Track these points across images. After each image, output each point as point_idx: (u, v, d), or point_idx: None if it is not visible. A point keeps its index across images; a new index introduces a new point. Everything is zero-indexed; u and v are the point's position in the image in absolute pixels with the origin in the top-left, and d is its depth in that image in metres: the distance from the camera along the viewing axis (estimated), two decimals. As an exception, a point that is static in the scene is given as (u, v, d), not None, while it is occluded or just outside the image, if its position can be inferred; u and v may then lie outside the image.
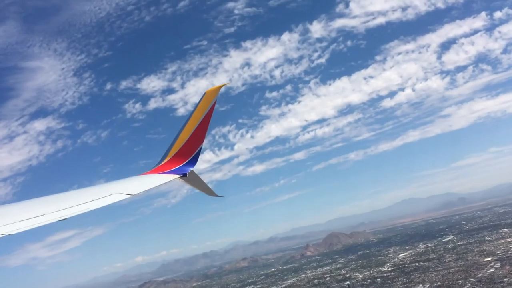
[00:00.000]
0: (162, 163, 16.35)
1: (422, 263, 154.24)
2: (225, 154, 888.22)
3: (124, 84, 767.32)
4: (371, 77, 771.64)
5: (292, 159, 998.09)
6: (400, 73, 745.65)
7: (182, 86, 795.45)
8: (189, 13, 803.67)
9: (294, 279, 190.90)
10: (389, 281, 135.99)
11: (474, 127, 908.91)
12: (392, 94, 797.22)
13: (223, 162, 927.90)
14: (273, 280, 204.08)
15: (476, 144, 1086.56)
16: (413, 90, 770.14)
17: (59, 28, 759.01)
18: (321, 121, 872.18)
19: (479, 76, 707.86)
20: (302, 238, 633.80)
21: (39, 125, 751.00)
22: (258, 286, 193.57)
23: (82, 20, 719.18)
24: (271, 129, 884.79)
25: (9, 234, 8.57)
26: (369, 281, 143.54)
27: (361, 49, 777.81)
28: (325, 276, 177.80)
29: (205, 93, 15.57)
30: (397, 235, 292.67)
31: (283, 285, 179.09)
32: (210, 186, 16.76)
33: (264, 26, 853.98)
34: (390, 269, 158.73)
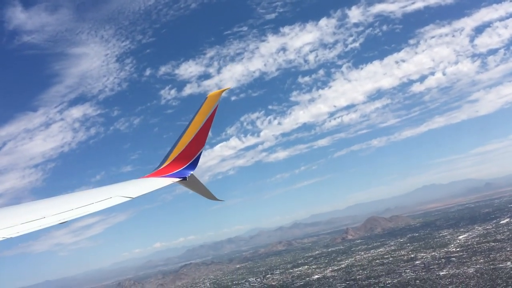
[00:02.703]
0: (162, 166, 16.23)
1: (492, 244, 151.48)
2: (251, 140, 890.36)
3: (163, 69, 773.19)
4: (403, 60, 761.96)
5: (315, 146, 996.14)
6: (432, 57, 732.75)
7: (218, 71, 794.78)
8: (234, 0, 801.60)
9: (350, 259, 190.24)
10: (467, 260, 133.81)
11: (500, 113, 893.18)
12: (422, 78, 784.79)
13: (248, 148, 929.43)
14: (326, 261, 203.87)
15: (497, 130, 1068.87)
16: (444, 74, 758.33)
17: (109, 16, 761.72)
18: (349, 107, 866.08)
19: (510, 59, 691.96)
20: (326, 224, 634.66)
21: (76, 112, 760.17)
22: (313, 267, 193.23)
23: (132, 8, 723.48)
24: (299, 116, 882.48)
25: (10, 237, 8.55)
26: (443, 260, 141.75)
27: (396, 34, 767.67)
28: (386, 256, 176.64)
29: (207, 97, 15.42)
30: (440, 219, 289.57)
31: (342, 265, 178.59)
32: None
33: (305, 11, 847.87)
34: (458, 249, 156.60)
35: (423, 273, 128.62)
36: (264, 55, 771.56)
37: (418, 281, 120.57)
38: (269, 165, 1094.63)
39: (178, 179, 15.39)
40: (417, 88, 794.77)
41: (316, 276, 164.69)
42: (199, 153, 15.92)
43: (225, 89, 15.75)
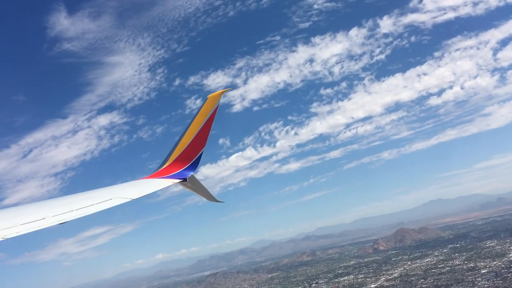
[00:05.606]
0: (163, 167, 16.30)
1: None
2: (266, 151, 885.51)
3: (192, 80, 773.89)
4: (425, 74, 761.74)
5: (327, 157, 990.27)
6: (454, 70, 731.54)
7: (245, 82, 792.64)
8: (271, 8, 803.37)
9: (398, 269, 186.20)
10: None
11: (509, 127, 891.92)
12: (441, 92, 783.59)
13: (262, 159, 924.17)
14: (370, 270, 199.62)
15: (503, 145, 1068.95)
16: (462, 88, 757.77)
17: (149, 23, 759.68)
18: (366, 119, 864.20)
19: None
20: (340, 237, 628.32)
21: (103, 120, 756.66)
22: (360, 276, 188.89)
23: (171, 15, 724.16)
24: (316, 126, 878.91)
25: (10, 237, 8.68)
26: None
27: (423, 45, 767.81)
28: (440, 266, 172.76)
29: (207, 97, 15.38)
30: (472, 231, 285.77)
31: (394, 275, 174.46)
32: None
33: (338, 20, 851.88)
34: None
35: (500, 282, 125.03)
36: (291, 66, 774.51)
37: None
38: (280, 176, 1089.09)
39: (178, 180, 15.32)
40: (434, 101, 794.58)
41: (373, 285, 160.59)
42: (199, 154, 15.86)
43: (225, 90, 15.60)
